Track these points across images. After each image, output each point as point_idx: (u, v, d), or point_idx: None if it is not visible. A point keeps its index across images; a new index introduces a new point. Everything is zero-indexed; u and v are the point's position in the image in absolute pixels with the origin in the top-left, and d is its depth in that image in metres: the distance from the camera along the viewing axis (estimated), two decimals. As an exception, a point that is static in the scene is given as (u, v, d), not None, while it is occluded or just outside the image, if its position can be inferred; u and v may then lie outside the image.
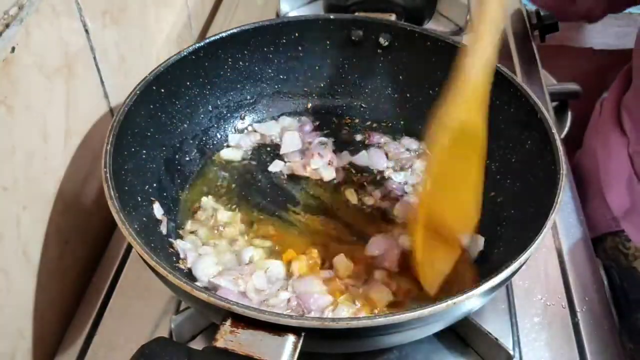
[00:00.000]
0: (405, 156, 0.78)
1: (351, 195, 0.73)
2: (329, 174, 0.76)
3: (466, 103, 0.59)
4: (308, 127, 0.82)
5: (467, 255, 0.65)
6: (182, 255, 0.65)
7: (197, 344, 0.63)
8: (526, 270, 0.68)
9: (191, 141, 0.75)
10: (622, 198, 0.85)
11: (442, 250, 0.62)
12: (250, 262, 0.65)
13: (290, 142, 0.79)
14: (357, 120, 0.83)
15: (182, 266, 0.64)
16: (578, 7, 0.91)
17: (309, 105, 0.83)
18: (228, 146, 0.79)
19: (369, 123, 0.83)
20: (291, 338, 0.46)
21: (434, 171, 0.59)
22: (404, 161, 0.77)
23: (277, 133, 0.81)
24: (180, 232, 0.69)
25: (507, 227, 0.66)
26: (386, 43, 0.78)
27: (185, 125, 0.74)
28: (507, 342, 0.61)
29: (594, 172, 0.91)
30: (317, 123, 0.83)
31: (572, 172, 0.86)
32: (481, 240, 0.66)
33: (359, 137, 0.81)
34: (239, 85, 0.79)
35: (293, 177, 0.76)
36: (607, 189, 0.87)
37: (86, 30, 0.67)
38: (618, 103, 0.92)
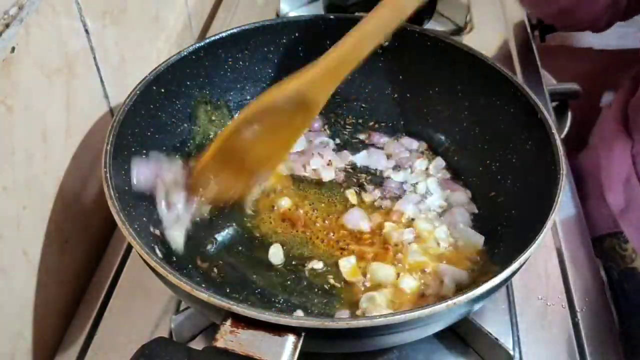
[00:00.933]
0: (405, 156, 0.78)
1: (352, 196, 0.73)
2: (328, 175, 0.75)
3: (322, 79, 0.63)
4: (317, 125, 0.82)
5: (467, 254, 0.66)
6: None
7: (197, 344, 0.63)
8: (526, 270, 0.68)
9: (191, 141, 0.75)
10: (619, 197, 0.85)
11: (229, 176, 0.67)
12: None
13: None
14: (357, 120, 0.83)
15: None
16: (580, 18, 0.91)
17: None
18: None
19: (369, 123, 0.83)
20: (291, 338, 0.46)
21: (256, 118, 0.64)
22: (404, 161, 0.77)
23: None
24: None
25: (507, 227, 0.66)
26: (386, 43, 0.78)
27: (185, 125, 0.74)
28: (507, 342, 0.61)
29: (595, 173, 0.91)
30: (316, 124, 0.83)
31: (573, 172, 0.86)
32: (481, 239, 0.66)
33: (359, 137, 0.81)
34: (239, 85, 0.79)
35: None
36: (607, 190, 0.87)
37: (86, 30, 0.67)
38: (625, 105, 0.92)
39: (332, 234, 0.69)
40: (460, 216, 0.69)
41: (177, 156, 0.72)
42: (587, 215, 0.79)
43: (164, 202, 0.66)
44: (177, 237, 0.65)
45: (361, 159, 0.78)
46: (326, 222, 0.70)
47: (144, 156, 0.66)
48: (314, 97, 0.63)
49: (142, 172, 0.64)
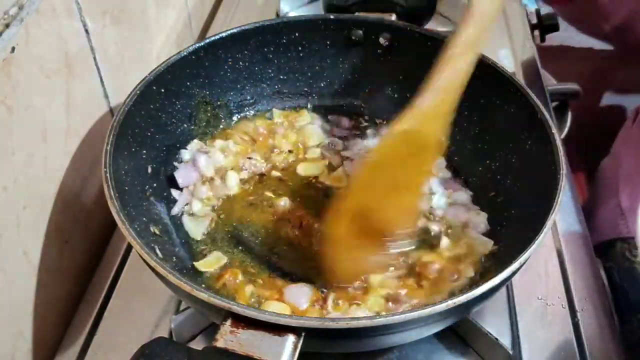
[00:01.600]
0: None
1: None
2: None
3: (431, 112, 0.60)
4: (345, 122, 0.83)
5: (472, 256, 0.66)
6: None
7: (197, 344, 0.63)
8: (526, 270, 0.68)
9: (191, 141, 0.75)
10: (632, 199, 0.85)
11: (364, 248, 0.62)
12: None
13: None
14: (357, 120, 0.83)
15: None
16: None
17: (309, 105, 0.83)
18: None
19: (369, 123, 0.83)
20: (291, 338, 0.46)
21: (376, 169, 0.60)
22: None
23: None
24: (180, 232, 0.69)
25: (507, 227, 0.66)
26: (386, 43, 0.78)
27: (185, 125, 0.74)
28: (507, 342, 0.61)
29: (614, 176, 0.91)
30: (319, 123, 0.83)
31: (590, 176, 0.85)
32: (489, 244, 0.65)
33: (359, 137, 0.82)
34: (239, 85, 0.79)
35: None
36: (622, 193, 0.86)
37: (86, 30, 0.67)
38: None
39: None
40: (474, 224, 0.69)
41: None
42: (600, 219, 0.79)
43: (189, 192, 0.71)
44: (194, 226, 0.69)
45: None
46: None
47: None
48: (427, 130, 0.60)
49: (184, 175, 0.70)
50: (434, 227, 0.68)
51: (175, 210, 0.69)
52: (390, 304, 0.60)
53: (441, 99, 0.60)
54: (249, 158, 0.76)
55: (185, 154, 0.73)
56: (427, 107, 0.60)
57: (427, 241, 0.67)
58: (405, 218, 0.64)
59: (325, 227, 0.61)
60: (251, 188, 0.74)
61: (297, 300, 0.60)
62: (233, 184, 0.73)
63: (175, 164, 0.72)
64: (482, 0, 0.59)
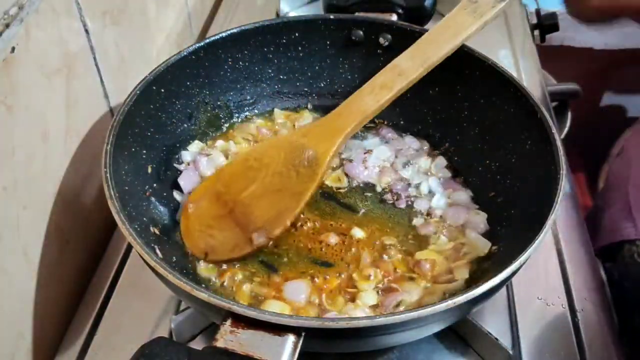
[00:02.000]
0: (410, 153, 0.78)
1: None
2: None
3: (330, 133, 0.68)
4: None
5: (470, 256, 0.66)
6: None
7: (197, 344, 0.63)
8: (526, 270, 0.68)
9: (191, 141, 0.75)
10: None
11: (224, 234, 0.65)
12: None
13: None
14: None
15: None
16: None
17: (309, 105, 0.83)
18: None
19: (368, 123, 0.83)
20: (291, 338, 0.46)
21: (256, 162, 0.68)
22: (409, 157, 0.77)
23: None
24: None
25: (507, 227, 0.66)
26: (386, 43, 0.78)
27: (185, 125, 0.74)
28: (507, 342, 0.61)
29: (623, 178, 0.91)
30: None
31: (590, 176, 0.85)
32: (487, 245, 0.65)
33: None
34: (239, 85, 0.79)
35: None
36: (633, 195, 0.86)
37: (86, 30, 0.67)
38: None
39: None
40: (473, 224, 0.69)
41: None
42: (607, 221, 0.79)
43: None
44: None
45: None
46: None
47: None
48: (316, 146, 0.66)
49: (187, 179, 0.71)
50: (429, 229, 0.69)
51: (179, 215, 0.69)
52: (382, 295, 0.61)
53: (354, 124, 0.69)
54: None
55: (186, 156, 0.73)
56: (335, 128, 0.68)
57: (422, 239, 0.68)
58: (280, 219, 0.66)
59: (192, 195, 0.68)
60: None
61: (295, 297, 0.61)
62: None
63: (176, 165, 0.72)
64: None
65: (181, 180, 0.71)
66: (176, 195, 0.70)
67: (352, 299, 0.61)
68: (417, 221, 0.70)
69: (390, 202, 0.72)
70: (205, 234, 0.65)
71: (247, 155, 0.71)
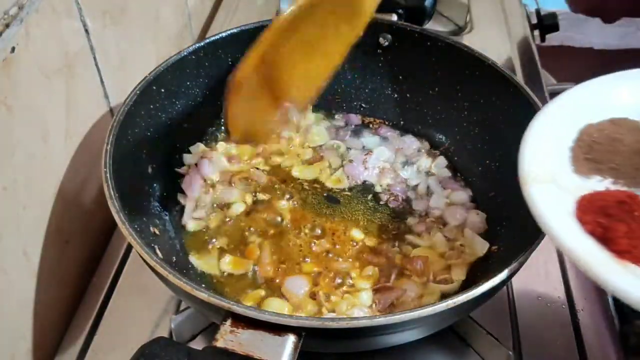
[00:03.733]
0: (410, 152, 0.78)
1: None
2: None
3: None
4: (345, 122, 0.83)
5: (467, 256, 0.66)
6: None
7: (197, 344, 0.63)
8: (526, 270, 0.68)
9: (192, 141, 0.75)
10: None
11: (260, 109, 0.61)
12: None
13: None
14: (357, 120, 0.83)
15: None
16: None
17: (309, 105, 0.83)
18: (228, 146, 0.79)
19: (369, 123, 0.83)
20: (291, 338, 0.46)
21: (296, 23, 0.57)
22: (409, 157, 0.77)
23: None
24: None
25: (507, 227, 0.66)
26: (386, 43, 0.78)
27: (185, 125, 0.74)
28: (507, 342, 0.61)
29: None
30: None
31: None
32: (485, 246, 0.66)
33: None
34: (239, 85, 0.79)
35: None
36: None
37: (86, 30, 0.67)
38: None
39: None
40: (472, 224, 0.69)
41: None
42: None
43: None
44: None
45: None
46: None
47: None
48: None
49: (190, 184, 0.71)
50: (424, 228, 0.69)
51: (185, 219, 0.69)
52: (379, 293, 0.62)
53: None
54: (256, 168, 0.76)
55: (188, 158, 0.73)
56: None
57: (417, 238, 0.68)
58: (309, 85, 0.63)
59: (234, 72, 0.59)
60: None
61: (296, 290, 0.63)
62: (238, 210, 0.72)
63: (177, 169, 0.72)
64: None
65: (185, 187, 0.71)
66: (180, 198, 0.71)
67: (351, 298, 0.62)
68: (412, 220, 0.70)
69: (390, 202, 0.73)
70: (248, 115, 0.61)
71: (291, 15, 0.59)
